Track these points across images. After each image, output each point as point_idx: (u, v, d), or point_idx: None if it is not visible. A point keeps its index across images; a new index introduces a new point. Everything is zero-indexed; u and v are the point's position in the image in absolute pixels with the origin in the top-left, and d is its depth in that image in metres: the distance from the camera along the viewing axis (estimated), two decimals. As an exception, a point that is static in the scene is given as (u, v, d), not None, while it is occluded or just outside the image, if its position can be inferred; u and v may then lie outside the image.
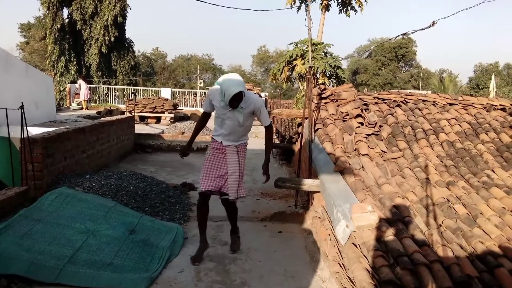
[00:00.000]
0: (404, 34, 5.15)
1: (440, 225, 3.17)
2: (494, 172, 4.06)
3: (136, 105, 14.07)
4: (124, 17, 24.47)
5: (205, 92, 22.58)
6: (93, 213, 3.85)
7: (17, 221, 3.45)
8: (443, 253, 2.77)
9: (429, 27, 4.13)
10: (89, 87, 18.47)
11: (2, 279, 2.84)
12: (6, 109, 5.02)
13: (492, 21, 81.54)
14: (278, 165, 7.97)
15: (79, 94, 17.95)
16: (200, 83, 30.28)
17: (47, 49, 24.76)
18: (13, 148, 5.38)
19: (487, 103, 5.64)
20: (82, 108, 17.49)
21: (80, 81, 17.77)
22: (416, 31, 4.75)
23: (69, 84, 20.20)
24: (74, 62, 23.78)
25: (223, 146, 3.46)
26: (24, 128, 4.67)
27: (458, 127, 4.97)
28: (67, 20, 23.92)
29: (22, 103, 4.81)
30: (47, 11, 22.74)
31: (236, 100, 3.17)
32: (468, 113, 5.41)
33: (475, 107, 5.55)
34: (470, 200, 3.50)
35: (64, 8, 23.61)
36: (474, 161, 4.27)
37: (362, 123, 4.79)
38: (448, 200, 3.47)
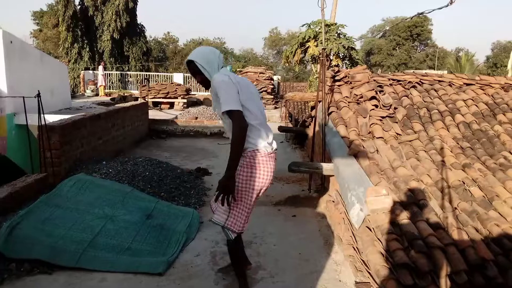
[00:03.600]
0: (420, 14, 5.01)
1: (456, 208, 3.15)
2: (511, 153, 3.99)
3: (149, 90, 14.15)
4: (135, 2, 24.41)
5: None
6: (110, 199, 3.94)
7: (37, 207, 3.55)
8: (458, 236, 2.76)
9: (447, 5, 4.00)
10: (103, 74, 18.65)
11: (25, 264, 2.95)
12: (24, 97, 5.12)
13: (512, -3, 78.66)
14: (291, 149, 7.97)
15: (95, 80, 18.27)
16: (212, 67, 30.11)
17: (60, 36, 24.93)
18: (31, 136, 5.50)
19: (505, 83, 5.50)
20: (97, 95, 17.70)
21: (100, 67, 18.17)
22: (433, 10, 4.60)
23: (83, 71, 20.38)
24: (87, 49, 23.93)
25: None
26: (42, 115, 4.75)
27: (475, 107, 4.88)
28: (79, 7, 23.97)
29: (38, 91, 4.89)
30: (59, -2, 22.82)
31: (192, 74, 2.60)
32: (485, 93, 5.29)
33: (493, 87, 5.42)
34: (486, 182, 3.46)
35: (76, -6, 23.66)
36: (491, 142, 4.20)
37: (376, 106, 4.73)
38: (464, 183, 3.44)
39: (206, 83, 2.58)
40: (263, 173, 2.51)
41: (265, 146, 2.51)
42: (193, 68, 2.54)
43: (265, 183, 2.53)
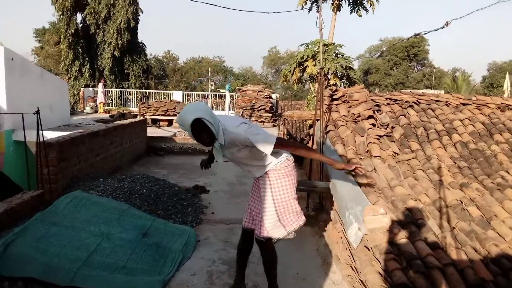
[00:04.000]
0: (417, 35, 5.11)
1: (454, 228, 3.13)
2: (508, 173, 4.00)
3: (148, 108, 14.20)
4: (137, 21, 24.74)
5: (216, 94, 22.68)
6: (106, 216, 3.90)
7: (33, 224, 3.52)
8: (456, 256, 2.74)
9: (443, 27, 4.08)
10: (103, 91, 18.78)
11: (19, 282, 2.90)
12: (23, 114, 5.13)
13: (507, 18, 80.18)
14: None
15: (95, 97, 18.41)
16: (211, 85, 30.42)
17: (61, 54, 25.17)
18: (28, 152, 5.49)
19: (502, 103, 5.55)
20: (96, 112, 17.77)
21: (100, 84, 18.33)
22: (429, 31, 4.70)
23: (82, 88, 20.50)
24: (88, 66, 24.15)
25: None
26: (40, 132, 4.76)
27: (471, 127, 4.91)
28: (80, 25, 24.29)
29: (38, 107, 4.91)
30: (61, 16, 23.13)
31: (198, 133, 2.46)
32: (482, 113, 5.33)
33: (489, 107, 5.47)
34: (484, 202, 3.45)
35: (78, 13, 23.99)
36: (488, 162, 4.21)
37: (374, 125, 4.76)
38: (462, 202, 3.43)
39: (212, 140, 2.52)
40: (295, 174, 2.85)
41: (288, 154, 2.80)
42: (198, 126, 2.42)
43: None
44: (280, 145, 2.61)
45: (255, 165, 2.74)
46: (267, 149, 2.54)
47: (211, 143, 2.55)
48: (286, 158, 2.79)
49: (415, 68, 48.37)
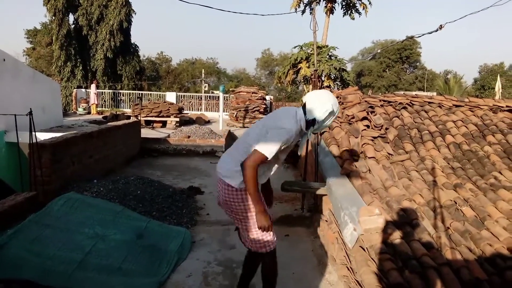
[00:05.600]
0: (410, 37, 5.17)
1: (448, 228, 3.16)
2: (501, 174, 4.05)
3: (142, 109, 14.14)
4: (129, 22, 24.64)
5: (210, 96, 22.62)
6: (101, 218, 3.88)
7: (26, 226, 3.49)
8: (451, 256, 2.77)
9: (436, 30, 4.13)
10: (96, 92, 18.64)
11: (14, 284, 2.87)
12: (15, 115, 5.08)
13: (497, 21, 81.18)
14: (283, 168, 7.98)
15: (88, 99, 18.27)
16: (205, 86, 30.39)
17: (53, 55, 24.99)
18: (21, 154, 5.44)
19: (494, 105, 5.62)
20: (89, 113, 17.65)
21: (92, 86, 18.19)
22: (423, 34, 4.77)
23: (75, 89, 20.37)
24: (80, 67, 23.99)
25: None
26: (33, 133, 4.72)
27: (464, 129, 4.96)
28: (73, 26, 24.13)
29: (30, 109, 4.87)
30: (53, 17, 22.98)
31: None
32: (474, 115, 5.39)
33: (482, 109, 5.53)
34: (478, 202, 3.49)
35: (70, 14, 23.84)
36: (481, 163, 4.26)
37: (368, 126, 4.79)
38: (456, 203, 3.46)
39: None
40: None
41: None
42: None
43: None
44: None
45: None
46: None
47: None
48: None
49: (408, 70, 48.69)
